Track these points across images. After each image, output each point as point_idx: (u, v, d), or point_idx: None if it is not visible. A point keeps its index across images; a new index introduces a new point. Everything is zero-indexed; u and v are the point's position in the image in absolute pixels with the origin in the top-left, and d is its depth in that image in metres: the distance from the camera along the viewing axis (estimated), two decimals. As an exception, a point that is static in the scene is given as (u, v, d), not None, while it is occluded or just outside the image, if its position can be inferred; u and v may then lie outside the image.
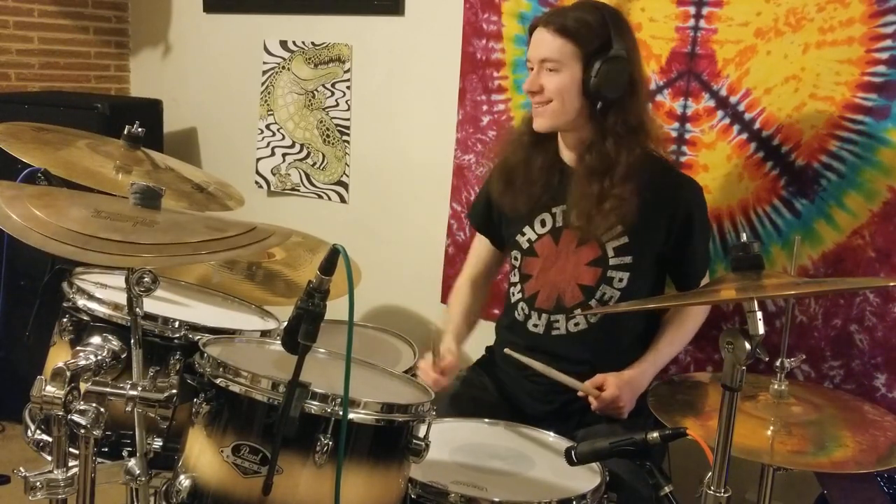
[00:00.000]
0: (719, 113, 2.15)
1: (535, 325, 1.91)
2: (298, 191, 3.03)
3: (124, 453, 1.52)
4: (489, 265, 2.10)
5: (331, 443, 1.23)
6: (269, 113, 3.05)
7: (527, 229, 1.92)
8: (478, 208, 2.09)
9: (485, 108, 2.53)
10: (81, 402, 1.26)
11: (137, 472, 1.40)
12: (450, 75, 2.59)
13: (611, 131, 1.77)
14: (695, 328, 1.97)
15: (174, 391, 1.32)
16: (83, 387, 1.29)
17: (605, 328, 1.87)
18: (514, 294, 1.96)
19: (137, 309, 1.37)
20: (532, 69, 1.80)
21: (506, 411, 1.92)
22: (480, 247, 2.10)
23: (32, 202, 1.31)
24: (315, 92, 2.93)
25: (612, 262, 1.84)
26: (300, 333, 1.17)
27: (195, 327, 1.59)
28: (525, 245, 1.93)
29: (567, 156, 1.88)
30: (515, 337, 1.95)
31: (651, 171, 1.80)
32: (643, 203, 1.78)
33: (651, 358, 1.87)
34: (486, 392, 1.98)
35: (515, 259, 1.96)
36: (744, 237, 1.36)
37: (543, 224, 1.90)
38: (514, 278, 1.96)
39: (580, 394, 1.79)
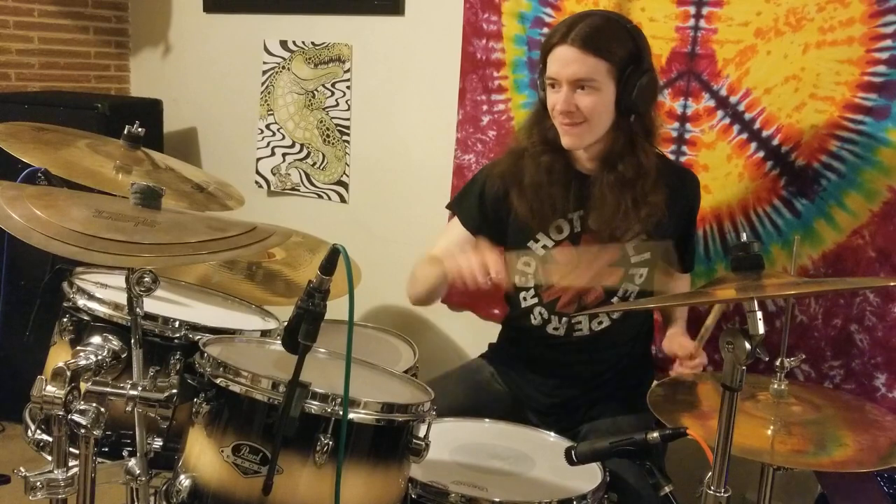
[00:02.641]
0: (719, 113, 2.15)
1: (556, 329, 1.92)
2: (298, 191, 3.03)
3: (124, 453, 1.52)
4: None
5: (331, 443, 1.23)
6: (269, 113, 3.05)
7: (541, 236, 1.89)
8: (472, 212, 1.96)
9: (485, 108, 2.53)
10: (81, 402, 1.26)
11: (137, 472, 1.40)
12: (450, 75, 2.58)
13: (637, 139, 1.77)
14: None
15: (174, 391, 1.32)
16: (83, 387, 1.29)
17: (626, 320, 1.92)
18: (525, 299, 1.94)
19: (137, 309, 1.37)
20: (554, 87, 1.75)
21: (511, 404, 1.94)
22: (459, 234, 1.96)
23: (33, 202, 1.31)
24: (315, 92, 2.93)
25: (633, 260, 1.86)
26: (300, 333, 1.17)
27: (195, 327, 1.59)
28: (540, 252, 1.90)
29: (585, 164, 1.85)
30: (532, 340, 1.96)
31: (661, 169, 1.82)
32: None
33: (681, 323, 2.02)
34: (491, 384, 1.99)
35: (528, 265, 1.92)
36: (744, 237, 1.36)
37: (560, 230, 1.88)
38: (527, 283, 1.94)
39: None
